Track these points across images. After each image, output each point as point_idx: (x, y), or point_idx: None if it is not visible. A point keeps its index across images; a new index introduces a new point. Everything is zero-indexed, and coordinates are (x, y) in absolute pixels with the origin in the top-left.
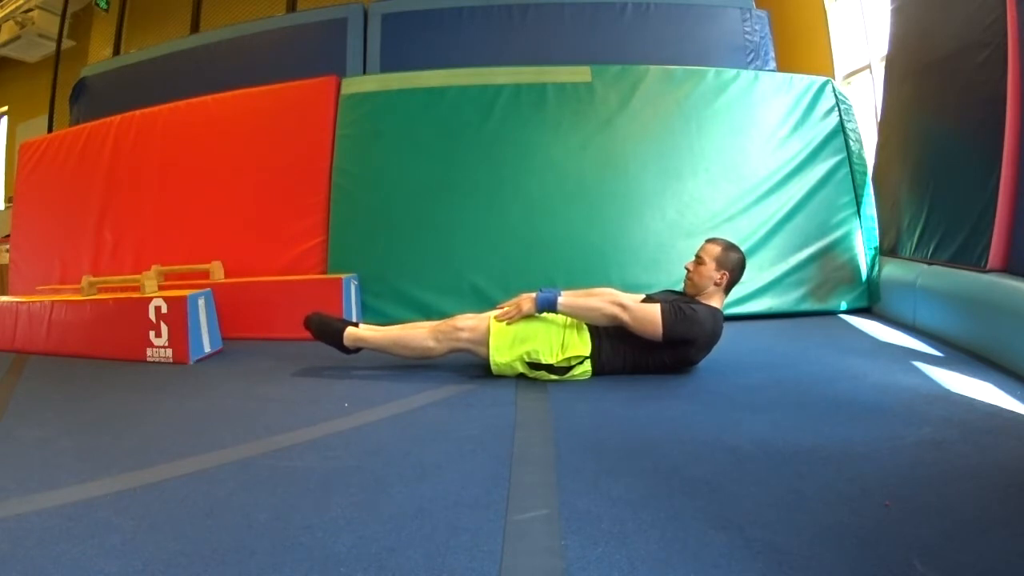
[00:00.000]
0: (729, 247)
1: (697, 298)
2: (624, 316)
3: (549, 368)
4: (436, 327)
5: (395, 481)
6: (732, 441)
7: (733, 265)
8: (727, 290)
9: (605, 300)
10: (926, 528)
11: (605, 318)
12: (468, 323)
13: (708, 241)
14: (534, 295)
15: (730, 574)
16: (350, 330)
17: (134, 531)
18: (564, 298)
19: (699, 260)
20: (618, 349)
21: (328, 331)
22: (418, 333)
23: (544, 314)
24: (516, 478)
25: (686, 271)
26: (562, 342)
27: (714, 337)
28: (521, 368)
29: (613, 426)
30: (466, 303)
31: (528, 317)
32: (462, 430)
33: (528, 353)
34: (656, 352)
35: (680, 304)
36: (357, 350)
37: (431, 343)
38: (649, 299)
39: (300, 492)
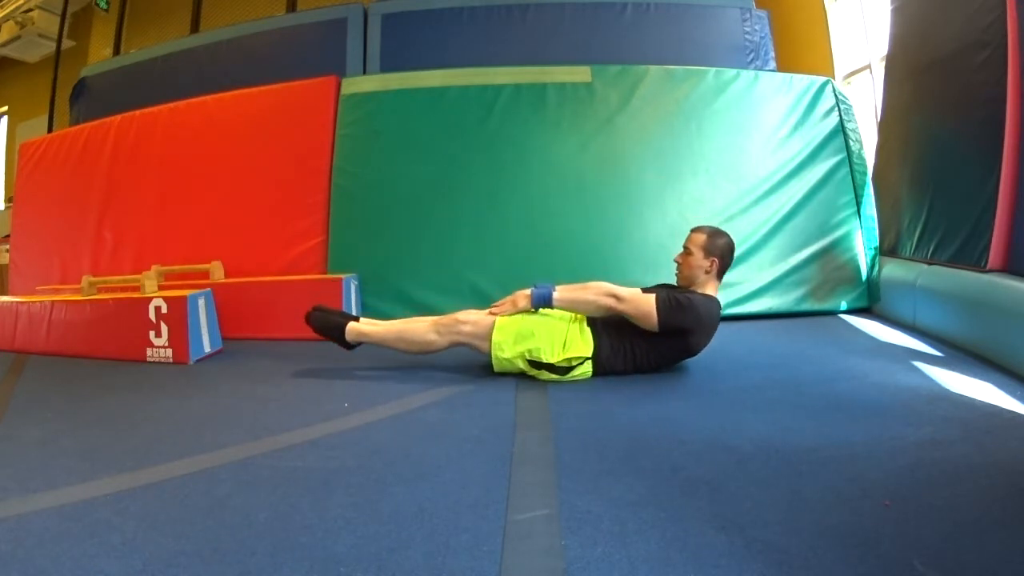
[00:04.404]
0: (715, 233)
1: (692, 288)
2: (620, 307)
3: (550, 368)
4: (438, 321)
5: (395, 481)
6: (732, 441)
7: (722, 251)
8: (720, 276)
9: (599, 292)
10: (926, 528)
11: (600, 310)
12: (471, 317)
13: (693, 230)
14: (529, 291)
15: (730, 574)
16: (352, 325)
17: (134, 531)
18: (559, 293)
19: (687, 251)
20: (618, 348)
21: (329, 327)
22: (419, 327)
23: (546, 311)
24: (516, 478)
25: (676, 264)
26: (564, 341)
27: (712, 324)
28: (522, 365)
29: (613, 426)
30: (466, 303)
31: (530, 313)
32: (462, 430)
33: (530, 351)
34: (656, 346)
35: (675, 294)
36: (358, 344)
37: (433, 336)
38: (646, 291)
39: (300, 492)
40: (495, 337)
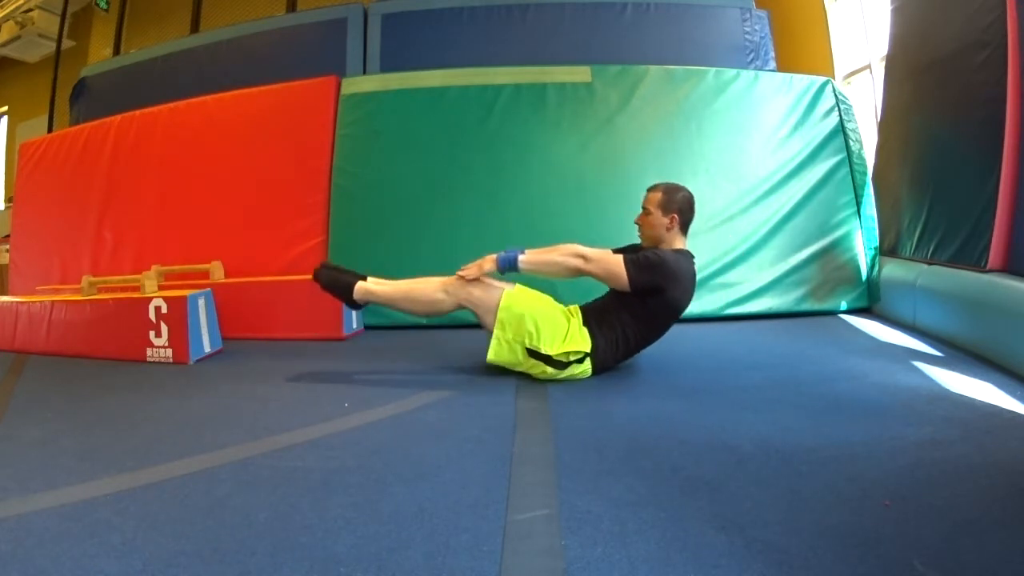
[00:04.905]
0: (670, 189)
1: (659, 247)
2: (587, 267)
3: (547, 359)
4: (447, 280)
5: (395, 481)
6: (732, 441)
7: (680, 205)
8: (684, 230)
9: (567, 253)
10: (926, 528)
11: (568, 271)
12: (482, 280)
13: (649, 189)
14: (495, 256)
15: (730, 574)
16: (360, 284)
17: (134, 531)
18: (526, 256)
19: (645, 211)
20: (611, 338)
21: (337, 284)
22: (428, 287)
23: (551, 303)
24: (516, 478)
25: (637, 226)
26: (565, 335)
27: (686, 276)
28: (520, 354)
29: (613, 426)
30: None
31: (535, 302)
32: (462, 430)
33: (531, 334)
34: (642, 315)
35: (645, 252)
36: (365, 304)
37: (441, 295)
38: (616, 252)
39: (300, 492)
40: (501, 314)
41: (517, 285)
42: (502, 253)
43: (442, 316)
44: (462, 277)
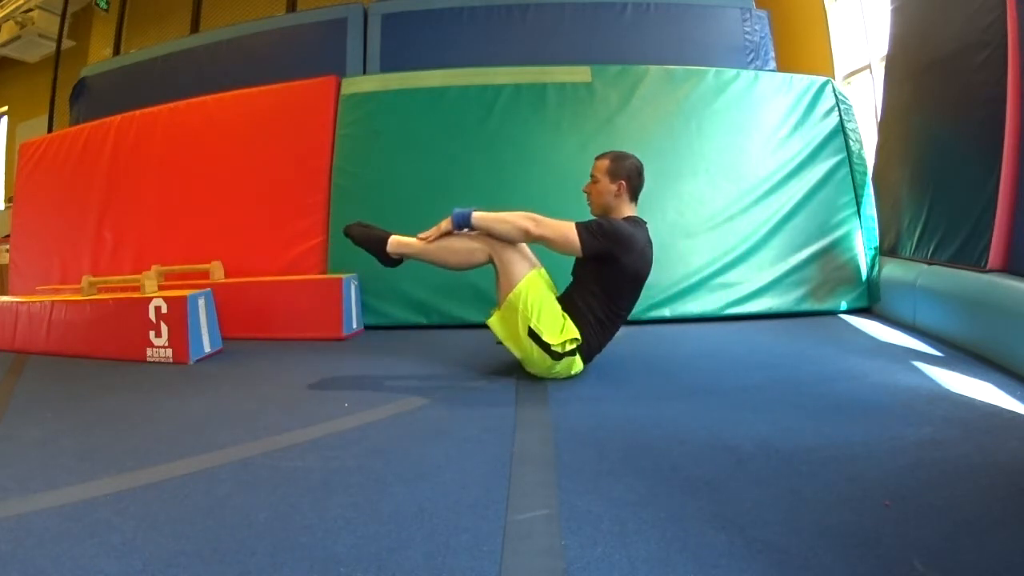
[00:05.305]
0: (618, 157)
1: (609, 216)
2: (537, 231)
3: (546, 347)
4: (475, 236)
5: (395, 481)
6: (732, 441)
7: (627, 172)
8: (633, 198)
9: (520, 216)
10: (926, 528)
11: (519, 232)
12: (520, 247)
13: (597, 158)
14: (452, 215)
15: (730, 574)
16: (394, 237)
17: (134, 531)
18: (480, 213)
19: (593, 179)
20: (588, 326)
21: (370, 239)
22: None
23: (552, 297)
24: (516, 478)
25: (586, 195)
26: (561, 328)
27: (639, 241)
28: (520, 330)
29: (613, 426)
30: (466, 303)
31: (548, 294)
32: (462, 430)
33: (539, 316)
34: (602, 288)
35: (597, 220)
36: (399, 262)
37: (477, 244)
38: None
39: (300, 492)
40: (519, 287)
41: (543, 269)
42: (457, 210)
43: (473, 269)
44: (423, 239)
